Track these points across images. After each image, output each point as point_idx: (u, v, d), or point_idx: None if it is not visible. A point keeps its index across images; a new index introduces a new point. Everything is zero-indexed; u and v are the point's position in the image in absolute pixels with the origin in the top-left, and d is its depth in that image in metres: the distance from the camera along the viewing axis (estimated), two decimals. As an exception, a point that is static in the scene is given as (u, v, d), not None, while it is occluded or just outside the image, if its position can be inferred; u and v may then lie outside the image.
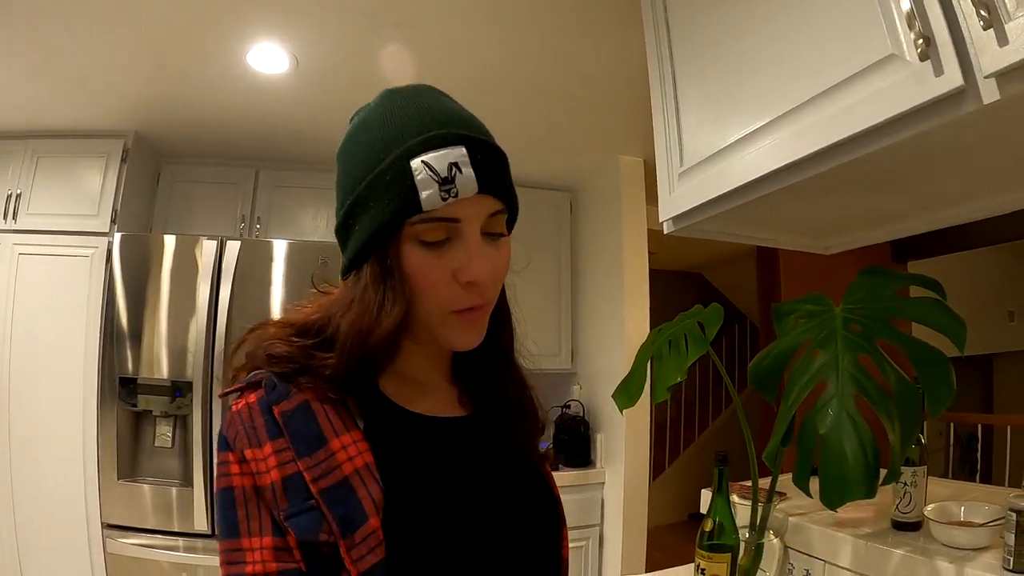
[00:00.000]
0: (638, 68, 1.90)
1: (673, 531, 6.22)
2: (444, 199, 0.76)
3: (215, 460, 0.80)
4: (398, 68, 2.77)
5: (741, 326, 7.99)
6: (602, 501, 3.88)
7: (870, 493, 1.15)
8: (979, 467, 5.10)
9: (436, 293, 0.80)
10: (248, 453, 0.76)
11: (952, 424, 5.07)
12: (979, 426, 5.14)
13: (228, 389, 0.84)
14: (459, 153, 0.77)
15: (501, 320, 0.89)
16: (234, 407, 0.81)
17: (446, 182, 0.76)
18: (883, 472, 1.18)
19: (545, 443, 1.04)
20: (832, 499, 1.17)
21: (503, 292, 0.94)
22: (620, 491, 3.69)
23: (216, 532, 0.78)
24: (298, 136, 3.55)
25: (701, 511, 1.66)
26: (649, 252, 3.91)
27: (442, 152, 0.77)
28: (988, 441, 5.18)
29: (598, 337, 4.07)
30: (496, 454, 0.91)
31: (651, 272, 3.90)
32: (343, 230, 0.85)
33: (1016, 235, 4.64)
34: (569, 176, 4.24)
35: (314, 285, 0.93)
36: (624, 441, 3.67)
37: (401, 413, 0.86)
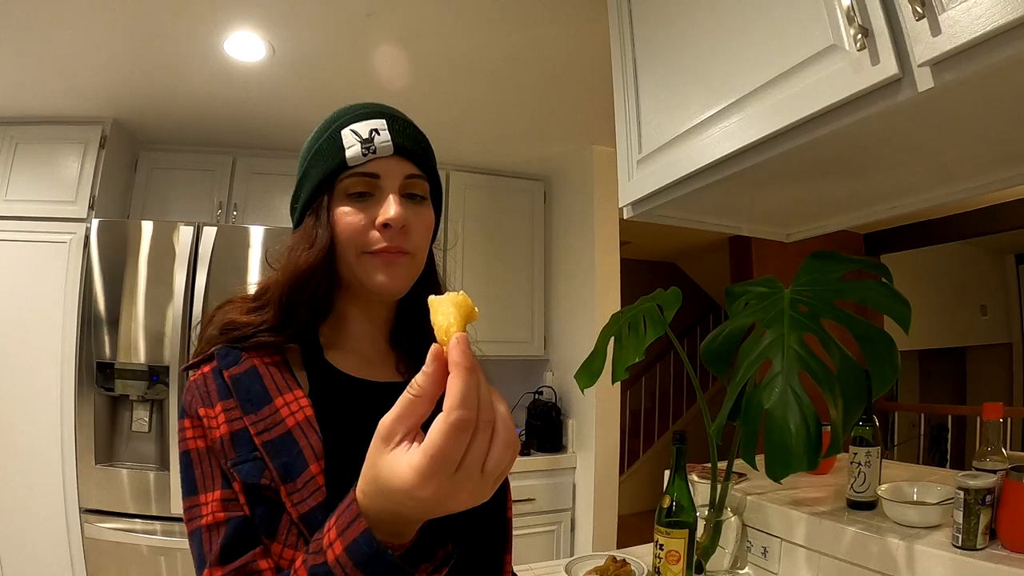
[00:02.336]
0: (610, 58, 1.94)
1: (645, 519, 6.24)
2: (364, 155, 0.92)
3: (176, 429, 0.89)
4: (373, 56, 2.79)
5: (716, 315, 8.03)
6: (574, 486, 3.92)
7: (812, 465, 1.19)
8: (948, 456, 5.18)
9: (356, 235, 0.92)
10: (201, 411, 0.85)
11: (924, 415, 5.15)
12: (949, 417, 5.22)
13: (189, 364, 0.93)
14: (379, 122, 0.94)
15: (432, 290, 0.96)
16: (191, 378, 0.90)
17: (366, 142, 0.92)
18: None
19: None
20: (776, 471, 1.22)
21: (432, 263, 1.06)
22: (591, 476, 3.74)
23: (182, 490, 0.85)
24: (275, 123, 3.57)
25: (664, 489, 1.69)
26: (623, 242, 3.95)
27: (366, 122, 0.94)
28: (961, 431, 5.26)
29: (570, 324, 4.11)
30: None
31: (625, 262, 3.94)
32: (293, 203, 1.00)
33: (988, 230, 4.71)
34: (542, 165, 4.27)
35: (268, 262, 1.01)
36: (595, 426, 3.72)
37: (343, 378, 0.95)
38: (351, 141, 0.92)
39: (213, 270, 3.16)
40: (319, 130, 0.98)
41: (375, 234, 0.92)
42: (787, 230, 2.03)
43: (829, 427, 1.26)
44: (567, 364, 4.13)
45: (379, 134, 0.93)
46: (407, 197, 0.95)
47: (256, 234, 3.26)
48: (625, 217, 1.78)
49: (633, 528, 3.94)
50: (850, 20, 1.09)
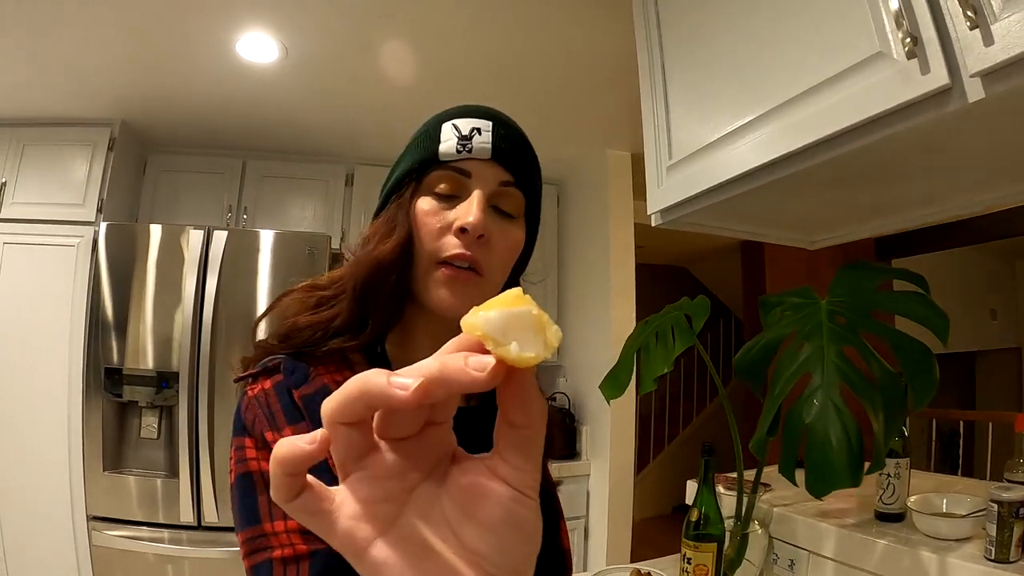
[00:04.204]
0: (627, 61, 1.90)
1: (657, 524, 6.24)
2: (458, 152, 0.86)
3: (231, 447, 0.79)
4: (387, 58, 2.76)
5: (726, 320, 7.99)
6: (587, 493, 3.88)
7: (855, 481, 1.16)
8: (960, 462, 5.14)
9: (430, 237, 0.85)
10: (269, 436, 0.76)
11: (934, 420, 5.11)
12: (961, 422, 5.18)
13: (242, 374, 0.85)
14: (484, 123, 0.88)
15: None
16: (249, 392, 0.81)
17: (464, 139, 0.86)
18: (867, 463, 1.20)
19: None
20: (817, 488, 1.19)
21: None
22: (605, 483, 3.70)
23: (235, 522, 0.76)
24: (286, 126, 3.54)
25: (687, 503, 1.67)
26: (635, 246, 3.91)
27: (470, 119, 0.88)
28: (970, 437, 5.22)
29: (584, 330, 4.07)
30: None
31: (636, 266, 3.91)
32: (382, 189, 0.95)
33: (999, 235, 4.68)
34: (556, 169, 4.23)
35: (343, 254, 0.96)
36: (609, 433, 3.68)
37: None
38: (449, 135, 0.87)
39: (223, 274, 3.13)
40: (425, 122, 0.93)
41: (450, 239, 0.84)
42: (813, 237, 2.00)
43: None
44: (581, 370, 4.10)
45: (480, 134, 0.87)
46: (496, 210, 0.88)
47: (266, 238, 3.23)
48: (653, 224, 1.74)
49: (645, 534, 3.92)
50: (899, 26, 1.05)
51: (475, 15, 2.45)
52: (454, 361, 0.36)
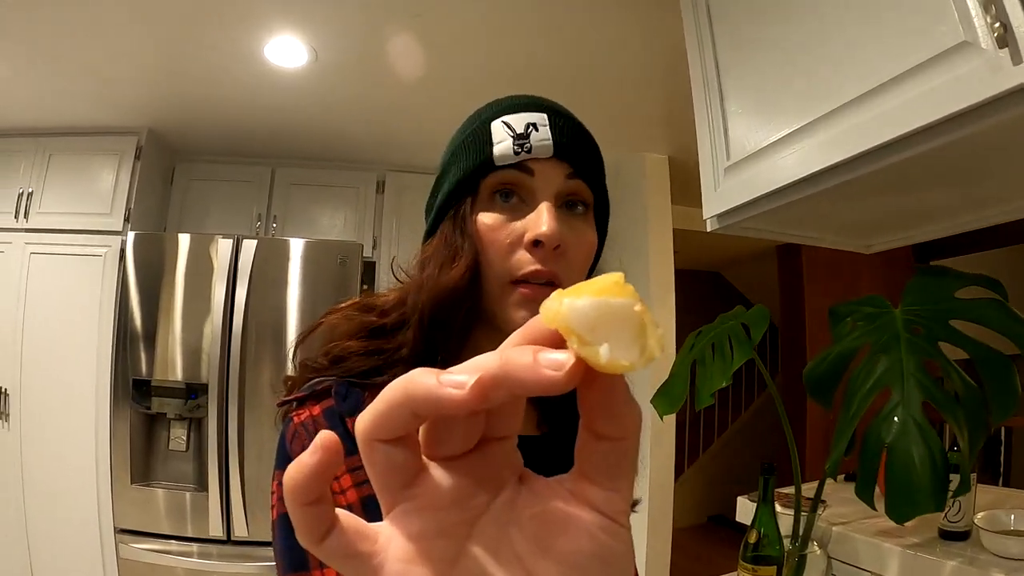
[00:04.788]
0: (667, 60, 1.84)
1: (693, 534, 6.14)
2: (516, 153, 0.76)
3: (273, 481, 0.71)
4: (419, 60, 2.72)
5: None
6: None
7: (939, 505, 1.11)
8: (1002, 471, 5.03)
9: (501, 255, 0.76)
10: None
11: (974, 427, 5.00)
12: (1002, 429, 5.06)
13: (287, 397, 0.77)
14: (539, 116, 0.79)
15: None
16: (295, 419, 0.74)
17: (520, 138, 0.76)
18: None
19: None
20: (900, 513, 1.12)
21: None
22: (644, 494, 3.62)
23: (278, 568, 0.68)
24: (316, 132, 3.51)
25: (724, 514, 1.60)
26: (671, 251, 3.84)
27: (523, 114, 0.79)
28: (1008, 444, 5.11)
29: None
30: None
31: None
32: (428, 203, 0.86)
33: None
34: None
35: (393, 273, 0.87)
36: (649, 442, 3.59)
37: None
38: (502, 135, 0.77)
39: (253, 284, 3.10)
40: (465, 123, 0.84)
41: (523, 255, 0.75)
42: (869, 241, 1.91)
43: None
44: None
45: (537, 130, 0.77)
46: (565, 208, 0.80)
47: (296, 247, 3.19)
48: (709, 230, 1.65)
49: (680, 545, 3.84)
50: (987, 11, 0.97)
51: (508, 17, 2.40)
52: (520, 356, 0.29)
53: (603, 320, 0.29)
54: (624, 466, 0.33)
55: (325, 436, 0.29)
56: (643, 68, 2.69)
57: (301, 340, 0.83)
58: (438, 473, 0.32)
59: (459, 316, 0.77)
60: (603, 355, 0.29)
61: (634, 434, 0.33)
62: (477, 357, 0.29)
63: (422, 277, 0.79)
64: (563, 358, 0.28)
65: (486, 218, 0.78)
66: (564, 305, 0.30)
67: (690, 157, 3.45)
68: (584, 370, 0.29)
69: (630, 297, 0.30)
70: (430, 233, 0.84)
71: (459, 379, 0.28)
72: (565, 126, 0.80)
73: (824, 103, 1.30)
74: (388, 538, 0.31)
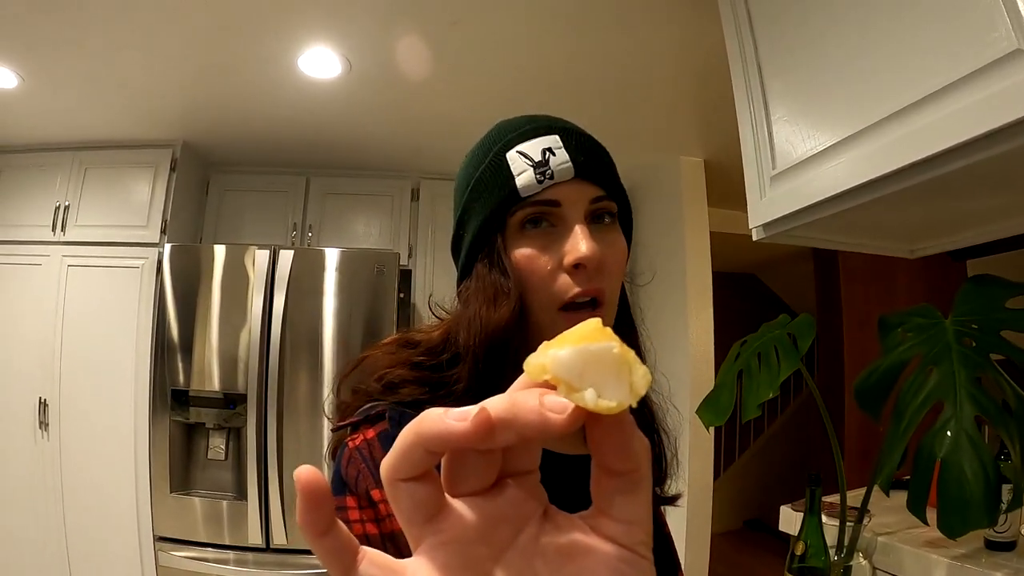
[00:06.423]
0: (699, 65, 1.81)
1: (729, 540, 6.06)
2: (540, 182, 0.76)
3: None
4: (454, 69, 2.72)
5: (798, 329, 7.75)
6: (663, 510, 3.75)
7: (992, 520, 1.09)
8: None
9: (544, 284, 0.77)
10: (376, 494, 0.70)
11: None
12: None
13: (342, 422, 0.78)
14: (552, 139, 0.79)
15: (624, 335, 0.82)
16: (350, 444, 0.74)
17: (540, 165, 0.77)
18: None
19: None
20: (953, 528, 1.10)
21: (625, 303, 0.89)
22: (683, 500, 3.55)
23: None
24: (350, 142, 3.52)
25: (760, 519, 1.57)
26: (705, 255, 3.79)
27: (535, 140, 0.79)
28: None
29: (658, 345, 3.90)
30: None
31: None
32: (455, 243, 0.85)
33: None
34: (627, 176, 4.05)
35: (431, 310, 0.88)
36: (689, 448, 3.54)
37: None
38: (521, 166, 0.77)
39: (291, 294, 3.11)
40: (477, 154, 0.83)
41: (565, 279, 0.76)
42: (913, 246, 1.87)
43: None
44: (656, 385, 3.96)
45: (554, 154, 0.77)
46: (594, 219, 0.80)
47: (331, 256, 3.20)
48: (755, 239, 1.62)
49: (717, 551, 3.78)
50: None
51: (543, 22, 2.38)
52: (526, 399, 0.30)
53: (587, 366, 0.31)
54: (638, 497, 0.34)
55: (300, 473, 0.30)
56: (679, 71, 2.66)
57: (345, 376, 0.84)
58: (462, 508, 0.33)
59: (512, 351, 0.76)
60: (589, 399, 0.30)
61: (644, 465, 0.33)
62: (489, 399, 0.31)
63: (467, 314, 0.79)
64: (565, 401, 0.30)
65: (523, 251, 0.78)
66: (548, 357, 0.32)
67: (725, 160, 3.42)
68: (586, 412, 0.30)
69: (609, 340, 0.33)
70: (464, 274, 0.84)
71: (462, 413, 0.30)
72: (579, 143, 0.80)
73: (875, 111, 1.27)
74: (415, 572, 0.32)
